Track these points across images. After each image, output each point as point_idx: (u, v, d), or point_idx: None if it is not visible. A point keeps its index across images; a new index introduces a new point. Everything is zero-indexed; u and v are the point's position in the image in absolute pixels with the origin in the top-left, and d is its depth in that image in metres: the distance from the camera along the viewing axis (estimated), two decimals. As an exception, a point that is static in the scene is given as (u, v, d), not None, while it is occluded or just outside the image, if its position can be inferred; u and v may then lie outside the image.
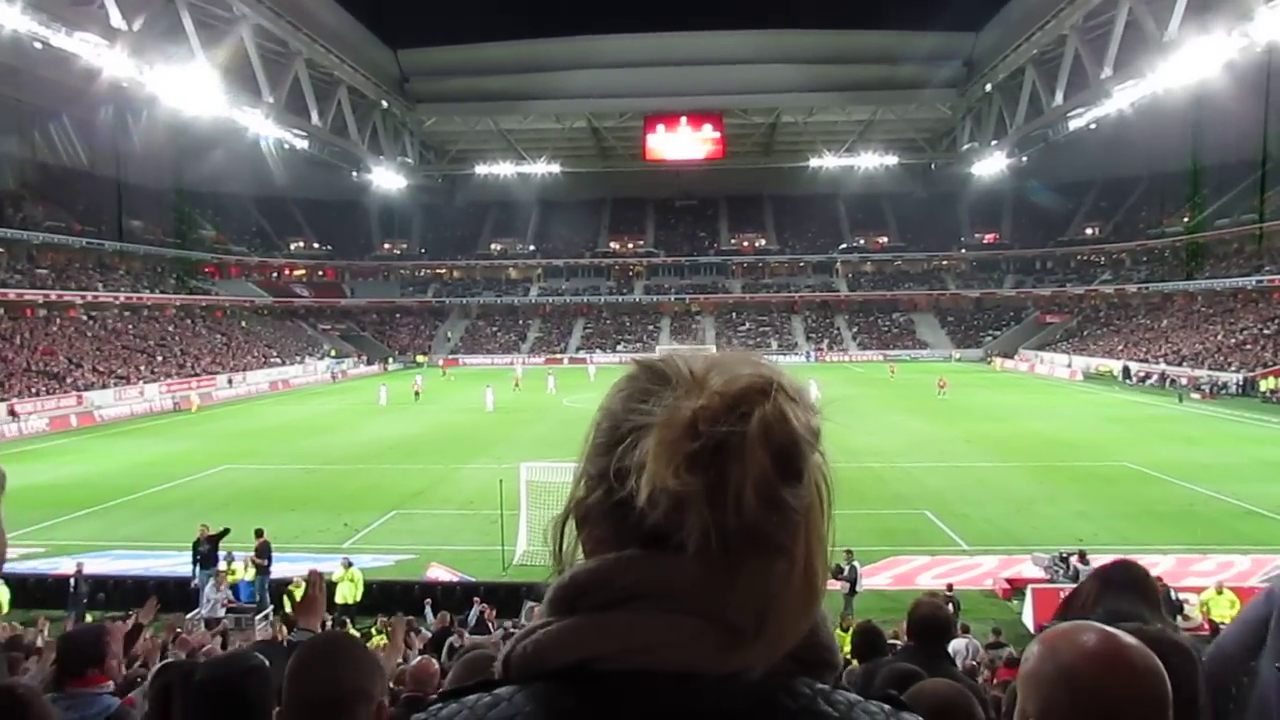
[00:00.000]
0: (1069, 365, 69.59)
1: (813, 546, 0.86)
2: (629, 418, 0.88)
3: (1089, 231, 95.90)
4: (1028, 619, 15.82)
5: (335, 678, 2.18)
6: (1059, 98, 65.67)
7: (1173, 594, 15.78)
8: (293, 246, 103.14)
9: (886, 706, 0.91)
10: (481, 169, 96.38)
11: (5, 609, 14.84)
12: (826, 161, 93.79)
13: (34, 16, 43.09)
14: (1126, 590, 2.70)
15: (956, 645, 11.79)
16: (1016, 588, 17.24)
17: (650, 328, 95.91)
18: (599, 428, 0.93)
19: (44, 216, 70.34)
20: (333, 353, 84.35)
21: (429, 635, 13.69)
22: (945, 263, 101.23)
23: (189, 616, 15.86)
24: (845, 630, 13.23)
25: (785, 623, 0.84)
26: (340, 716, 2.14)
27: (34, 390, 47.99)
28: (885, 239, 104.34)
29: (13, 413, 43.34)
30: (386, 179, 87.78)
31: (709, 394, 0.84)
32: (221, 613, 16.09)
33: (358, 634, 13.92)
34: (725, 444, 0.81)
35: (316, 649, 2.30)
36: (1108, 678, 1.28)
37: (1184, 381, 55.43)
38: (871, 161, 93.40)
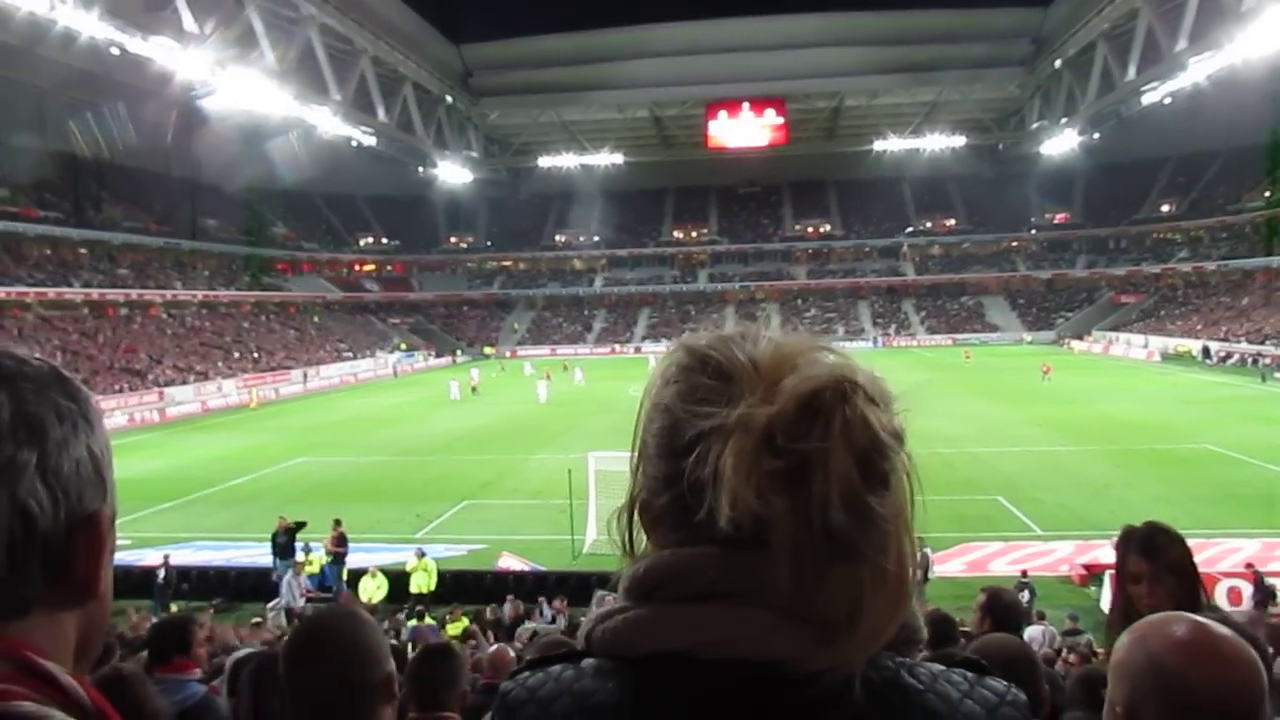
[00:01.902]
0: (1145, 346, 67.91)
1: (904, 548, 0.83)
2: (692, 421, 0.84)
3: (1165, 208, 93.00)
4: (1106, 605, 15.53)
5: (331, 674, 1.88)
6: (1131, 72, 63.85)
7: (1265, 580, 15.42)
8: (362, 242, 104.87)
9: (970, 674, 0.90)
10: (545, 161, 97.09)
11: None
12: (891, 144, 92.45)
13: (111, 23, 44.32)
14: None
15: (1032, 632, 11.65)
16: (1094, 573, 16.89)
17: (715, 316, 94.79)
18: (655, 427, 0.90)
19: (123, 217, 72.50)
20: (402, 346, 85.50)
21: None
22: (1015, 244, 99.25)
23: (269, 607, 16.29)
24: (917, 617, 13.05)
25: (876, 622, 0.81)
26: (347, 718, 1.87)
27: (117, 387, 49.42)
28: (952, 221, 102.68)
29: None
30: (452, 173, 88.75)
31: (783, 400, 0.80)
32: (301, 602, 16.48)
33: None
34: (808, 459, 0.78)
35: (305, 637, 2.00)
36: (1196, 668, 1.28)
37: (1267, 361, 53.74)
38: (937, 143, 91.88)
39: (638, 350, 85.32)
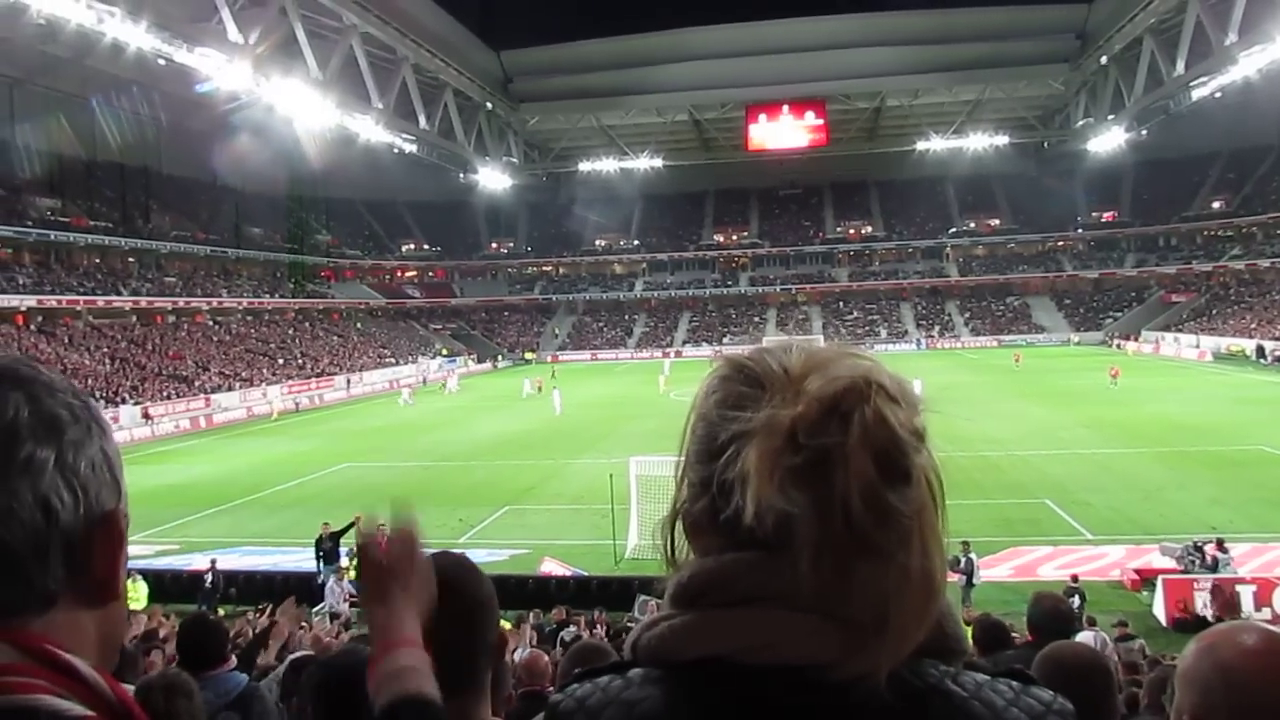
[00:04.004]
0: (1197, 346, 66.62)
1: (928, 545, 0.84)
2: (725, 425, 0.87)
3: (1216, 205, 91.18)
4: (1159, 611, 15.20)
5: (482, 581, 1.81)
6: (1180, 67, 62.69)
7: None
8: (404, 248, 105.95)
9: (1016, 684, 0.90)
10: (585, 166, 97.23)
11: (145, 603, 15.53)
12: (933, 144, 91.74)
13: (158, 34, 45.14)
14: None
15: (1084, 638, 11.38)
16: (1146, 578, 16.54)
17: (756, 319, 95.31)
18: (694, 433, 0.93)
19: (170, 227, 73.75)
20: (444, 351, 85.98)
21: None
22: (1061, 243, 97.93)
23: (314, 611, 16.37)
24: (967, 624, 12.89)
25: (906, 621, 0.83)
26: (488, 617, 1.78)
27: (165, 394, 50.17)
28: (997, 221, 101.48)
29: (146, 415, 45.37)
30: (492, 179, 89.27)
31: (807, 400, 0.83)
32: (344, 607, 16.56)
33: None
34: (828, 455, 0.80)
35: (453, 558, 1.88)
36: (1268, 677, 1.25)
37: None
38: (981, 142, 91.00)
39: (678, 354, 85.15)
